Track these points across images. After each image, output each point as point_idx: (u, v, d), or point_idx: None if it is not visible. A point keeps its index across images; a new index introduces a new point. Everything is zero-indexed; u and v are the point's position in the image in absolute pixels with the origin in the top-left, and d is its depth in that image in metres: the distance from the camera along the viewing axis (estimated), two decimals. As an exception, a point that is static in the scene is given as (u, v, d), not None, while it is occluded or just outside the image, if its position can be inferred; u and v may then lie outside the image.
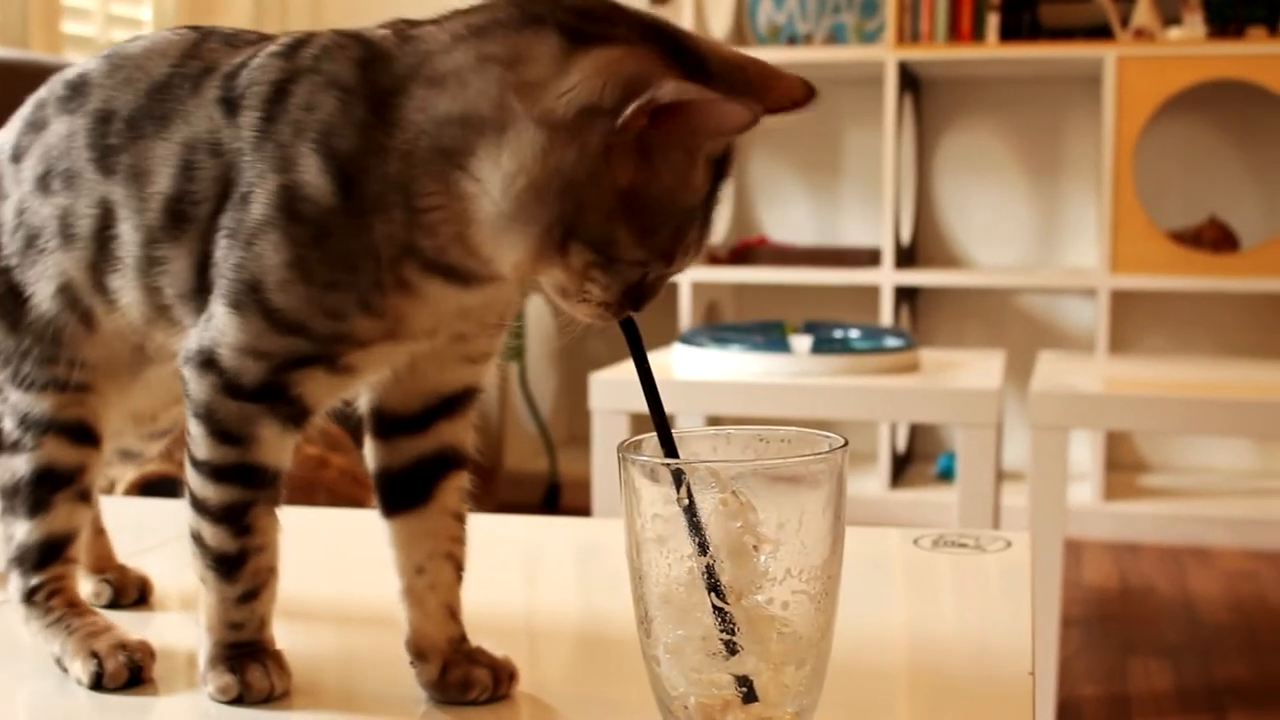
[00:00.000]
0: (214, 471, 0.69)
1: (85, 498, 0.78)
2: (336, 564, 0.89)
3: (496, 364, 0.75)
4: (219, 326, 0.67)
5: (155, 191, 0.70)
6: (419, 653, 0.73)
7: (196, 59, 0.72)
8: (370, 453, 0.76)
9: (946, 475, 3.89)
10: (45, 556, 0.77)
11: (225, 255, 0.67)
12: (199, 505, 0.70)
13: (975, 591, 0.94)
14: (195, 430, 0.69)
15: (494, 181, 0.63)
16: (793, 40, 4.07)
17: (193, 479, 0.70)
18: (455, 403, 0.74)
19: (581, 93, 0.61)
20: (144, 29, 3.32)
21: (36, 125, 0.76)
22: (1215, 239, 3.73)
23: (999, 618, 0.85)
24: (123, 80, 0.73)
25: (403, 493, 0.74)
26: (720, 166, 0.65)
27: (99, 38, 3.14)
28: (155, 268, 0.71)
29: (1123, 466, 4.03)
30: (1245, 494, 3.74)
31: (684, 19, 3.84)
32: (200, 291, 0.69)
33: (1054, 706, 2.29)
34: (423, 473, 0.74)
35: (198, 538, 0.71)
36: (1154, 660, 2.61)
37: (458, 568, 0.75)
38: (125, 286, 0.73)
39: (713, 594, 0.59)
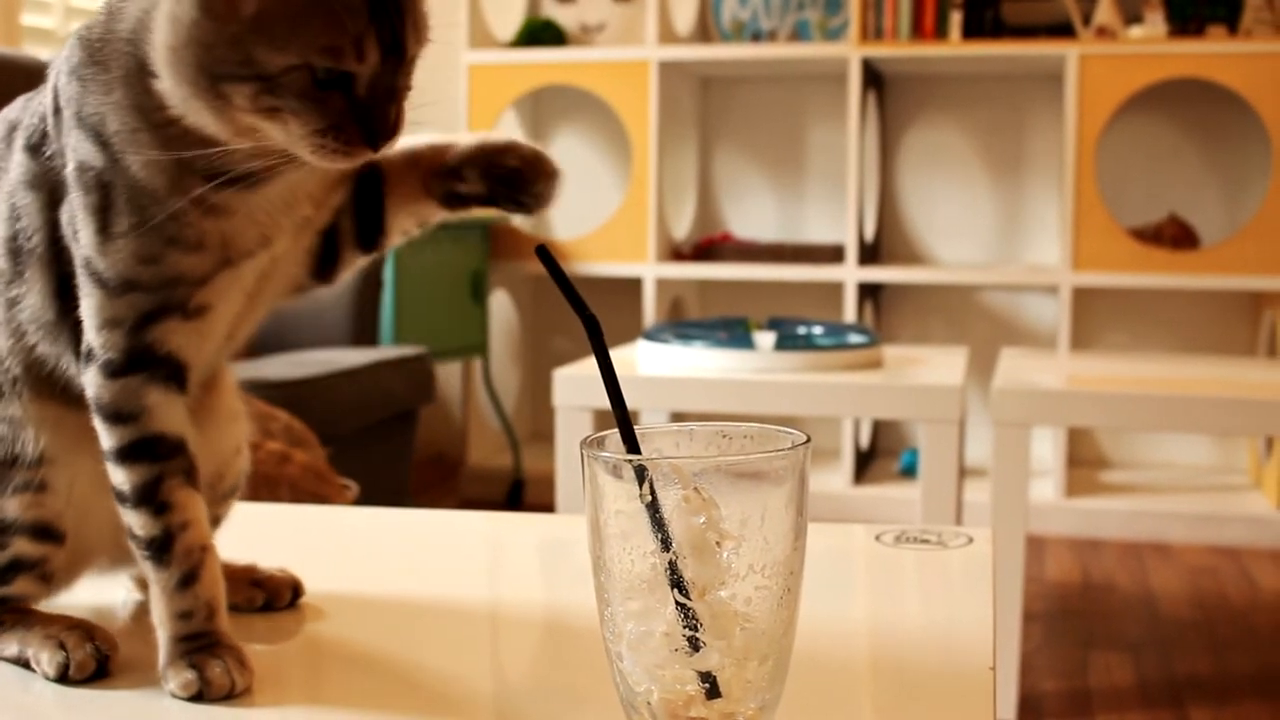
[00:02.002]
0: (119, 454, 0.72)
1: (46, 579, 0.80)
2: (300, 560, 0.89)
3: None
4: (85, 321, 0.72)
5: None
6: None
7: (8, 123, 0.78)
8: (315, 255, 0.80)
9: (909, 471, 3.91)
10: None
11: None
12: (120, 497, 0.73)
13: (937, 587, 0.94)
14: (98, 425, 0.73)
15: (159, 65, 0.67)
16: (756, 37, 4.07)
17: (110, 472, 0.73)
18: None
19: None
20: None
21: None
22: (1175, 236, 3.76)
23: (961, 613, 0.86)
24: None
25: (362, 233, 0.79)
26: None
27: (59, 30, 3.11)
28: (14, 309, 0.76)
29: (1084, 462, 4.06)
30: (1205, 490, 3.78)
31: (649, 15, 3.84)
32: (58, 320, 0.74)
33: (1016, 701, 2.31)
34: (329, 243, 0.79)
35: (130, 532, 0.73)
36: (1115, 655, 2.63)
37: None
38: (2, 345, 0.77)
39: (675, 590, 0.59)
